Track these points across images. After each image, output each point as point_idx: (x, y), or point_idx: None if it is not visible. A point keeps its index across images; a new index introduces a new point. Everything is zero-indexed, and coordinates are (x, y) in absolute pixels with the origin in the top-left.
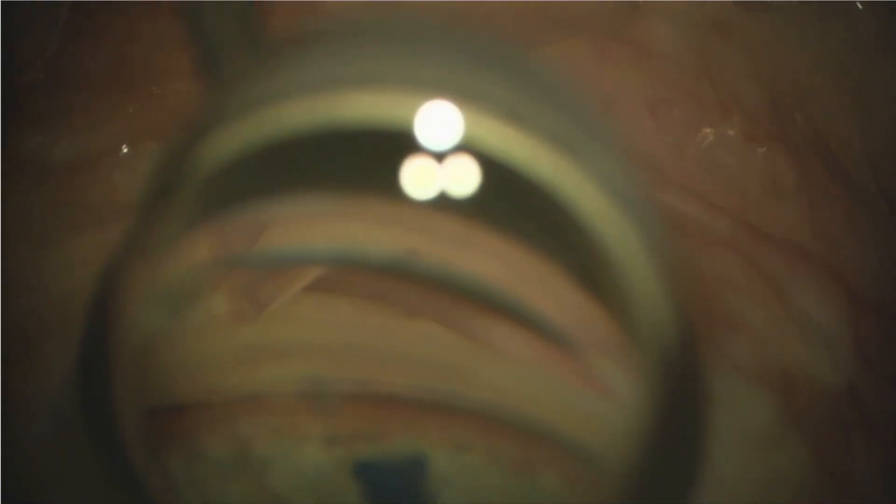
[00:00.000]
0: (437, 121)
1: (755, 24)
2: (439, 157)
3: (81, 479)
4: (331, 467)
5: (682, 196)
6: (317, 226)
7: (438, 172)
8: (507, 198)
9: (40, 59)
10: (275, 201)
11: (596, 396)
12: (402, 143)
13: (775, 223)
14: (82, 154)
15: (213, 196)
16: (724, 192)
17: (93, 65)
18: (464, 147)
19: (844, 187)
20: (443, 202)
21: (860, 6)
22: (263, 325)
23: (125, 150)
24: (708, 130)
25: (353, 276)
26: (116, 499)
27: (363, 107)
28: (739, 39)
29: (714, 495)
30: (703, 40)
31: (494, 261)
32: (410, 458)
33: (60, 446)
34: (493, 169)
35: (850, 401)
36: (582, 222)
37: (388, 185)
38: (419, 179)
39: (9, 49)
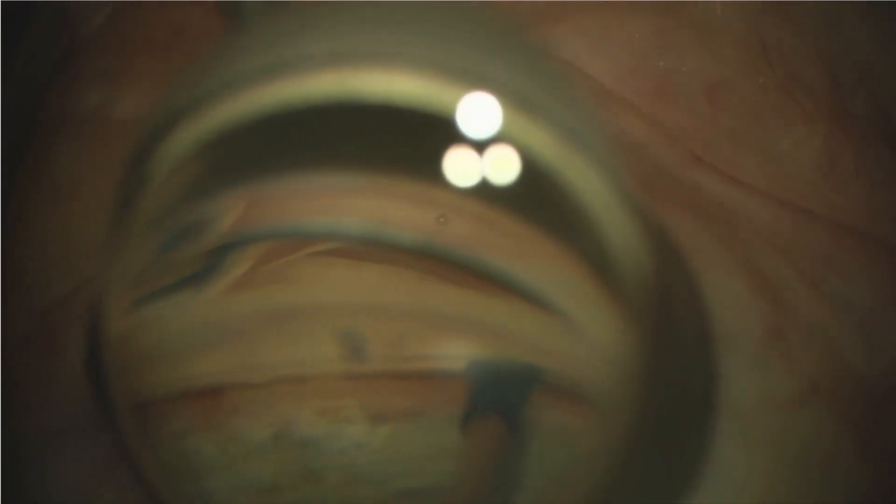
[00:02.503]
0: (478, 110)
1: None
2: (478, 144)
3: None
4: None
5: (733, 182)
6: (344, 201)
7: (476, 160)
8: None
9: (101, 10)
10: (299, 174)
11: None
12: (440, 128)
13: (831, 205)
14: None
15: (235, 162)
16: (780, 177)
17: (155, 26)
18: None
19: None
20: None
21: None
22: (288, 288)
23: None
24: (767, 113)
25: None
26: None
27: (394, 85)
28: (799, 17)
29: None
30: (763, 17)
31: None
32: (527, 367)
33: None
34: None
35: None
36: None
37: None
38: (457, 166)
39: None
